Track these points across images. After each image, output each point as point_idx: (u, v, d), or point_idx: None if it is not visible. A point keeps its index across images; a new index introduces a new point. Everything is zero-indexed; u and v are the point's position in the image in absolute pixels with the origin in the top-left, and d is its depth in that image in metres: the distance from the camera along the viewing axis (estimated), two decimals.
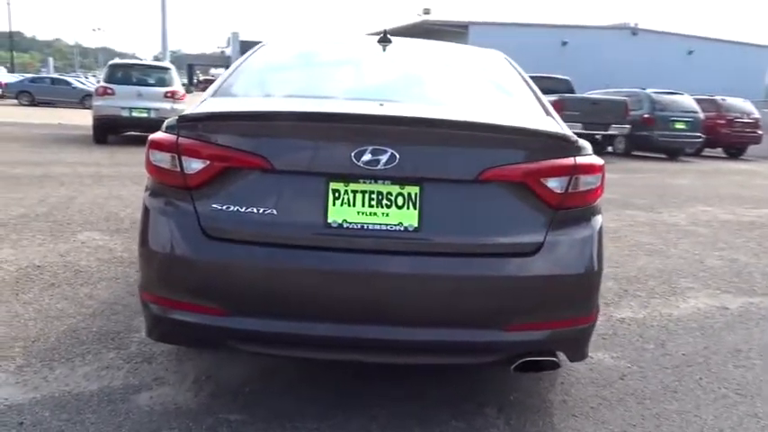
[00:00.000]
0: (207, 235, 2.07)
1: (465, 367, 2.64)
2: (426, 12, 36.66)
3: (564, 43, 30.61)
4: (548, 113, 2.50)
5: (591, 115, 13.99)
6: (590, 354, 2.97)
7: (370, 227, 2.04)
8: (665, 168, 13.41)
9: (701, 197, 8.90)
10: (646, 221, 6.71)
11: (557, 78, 16.23)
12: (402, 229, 2.04)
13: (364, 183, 2.05)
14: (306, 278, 2.05)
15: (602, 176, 2.24)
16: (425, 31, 31.24)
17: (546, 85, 15.62)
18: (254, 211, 2.05)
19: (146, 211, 2.18)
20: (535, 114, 2.49)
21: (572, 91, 15.77)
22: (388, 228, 2.04)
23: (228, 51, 72.71)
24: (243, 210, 2.06)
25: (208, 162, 2.06)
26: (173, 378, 2.59)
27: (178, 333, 2.20)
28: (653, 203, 8.01)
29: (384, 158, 2.01)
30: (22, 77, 34.25)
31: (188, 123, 2.12)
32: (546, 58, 26.52)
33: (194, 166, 2.07)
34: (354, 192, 2.05)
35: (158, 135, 2.16)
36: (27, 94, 29.61)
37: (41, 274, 3.83)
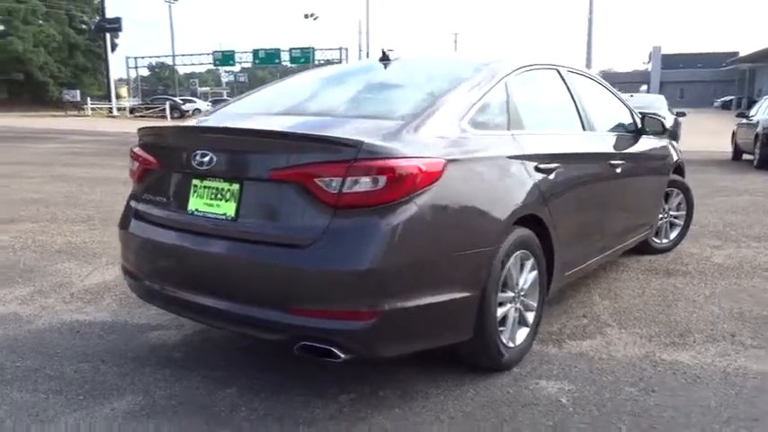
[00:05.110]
0: (137, 216, 2.92)
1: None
2: None
3: None
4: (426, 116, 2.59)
5: None
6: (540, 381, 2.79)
7: (209, 215, 2.59)
8: None
9: None
10: None
11: None
12: (224, 218, 2.53)
13: (211, 180, 2.61)
14: (174, 252, 2.71)
15: (392, 179, 2.27)
16: None
17: None
18: (156, 198, 2.82)
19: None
20: (397, 120, 2.57)
21: None
22: (217, 216, 2.56)
23: (649, 67, 70.27)
24: (151, 197, 2.85)
25: (137, 163, 2.92)
26: (188, 326, 3.49)
27: (132, 289, 3.08)
28: None
29: (206, 160, 2.54)
30: None
31: (138, 135, 3.01)
32: None
33: (135, 166, 2.96)
34: (205, 187, 2.63)
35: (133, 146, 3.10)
36: None
37: None
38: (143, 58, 60.91)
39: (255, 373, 2.89)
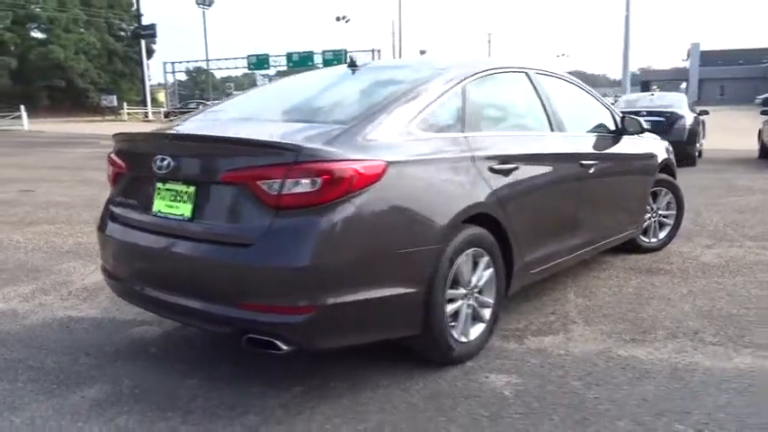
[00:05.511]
0: (112, 218, 3.12)
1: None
2: None
3: None
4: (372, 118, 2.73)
5: None
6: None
7: (170, 216, 2.76)
8: None
9: None
10: None
11: None
12: (182, 218, 2.70)
13: (171, 183, 2.78)
14: (140, 251, 2.89)
15: (328, 181, 2.40)
16: None
17: None
18: (127, 201, 3.01)
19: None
20: (346, 124, 2.70)
21: None
22: (175, 217, 2.73)
23: (688, 64, 68.75)
24: (123, 200, 3.04)
25: (112, 168, 3.12)
26: (169, 322, 3.66)
27: (111, 288, 3.27)
28: None
29: (165, 164, 2.71)
30: None
31: (114, 141, 3.20)
32: None
33: (110, 171, 3.16)
34: (166, 189, 2.80)
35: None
36: None
37: None
38: (180, 63, 62.21)
39: (220, 366, 3.05)
